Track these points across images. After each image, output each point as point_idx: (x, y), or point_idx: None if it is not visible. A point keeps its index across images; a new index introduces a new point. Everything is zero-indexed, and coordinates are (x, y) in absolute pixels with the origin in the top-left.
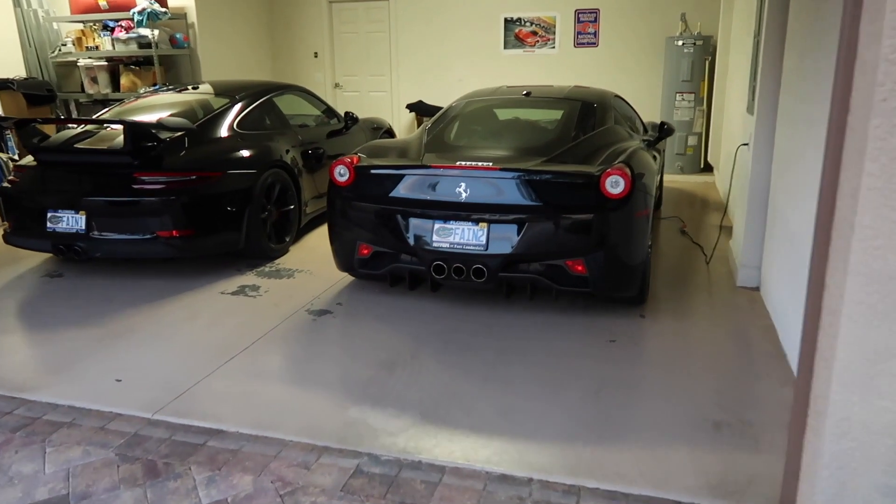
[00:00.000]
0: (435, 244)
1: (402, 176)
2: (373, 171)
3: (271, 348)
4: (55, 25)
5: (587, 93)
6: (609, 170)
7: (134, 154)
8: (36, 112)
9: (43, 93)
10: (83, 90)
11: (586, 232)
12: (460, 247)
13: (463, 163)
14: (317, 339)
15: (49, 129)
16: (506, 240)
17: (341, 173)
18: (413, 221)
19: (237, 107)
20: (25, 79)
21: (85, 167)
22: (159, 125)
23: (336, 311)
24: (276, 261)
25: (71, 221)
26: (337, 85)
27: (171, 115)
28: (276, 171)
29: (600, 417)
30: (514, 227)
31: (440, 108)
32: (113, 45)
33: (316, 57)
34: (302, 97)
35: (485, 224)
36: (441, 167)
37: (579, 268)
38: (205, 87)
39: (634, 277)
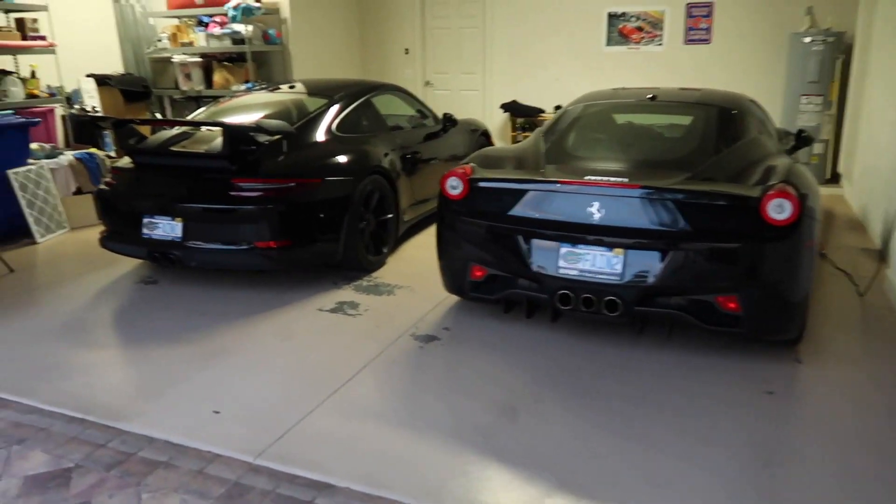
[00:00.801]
0: (561, 271)
1: (524, 191)
2: (489, 185)
3: (377, 380)
4: (151, 21)
5: (721, 97)
6: (772, 191)
7: (232, 158)
8: (132, 108)
9: (139, 89)
10: (177, 87)
11: (743, 263)
12: (591, 275)
13: (595, 178)
14: (426, 371)
15: (143, 129)
16: (646, 269)
17: (454, 186)
18: (536, 243)
19: (335, 108)
20: (122, 75)
21: (181, 171)
22: (258, 128)
23: (444, 337)
24: (374, 274)
25: (167, 228)
26: (427, 83)
27: (268, 117)
28: (376, 178)
29: (773, 498)
30: (657, 255)
31: (535, 109)
32: (207, 41)
33: (407, 53)
34: (399, 97)
35: (621, 250)
36: (570, 182)
37: (731, 305)
38: (300, 87)
39: (795, 317)
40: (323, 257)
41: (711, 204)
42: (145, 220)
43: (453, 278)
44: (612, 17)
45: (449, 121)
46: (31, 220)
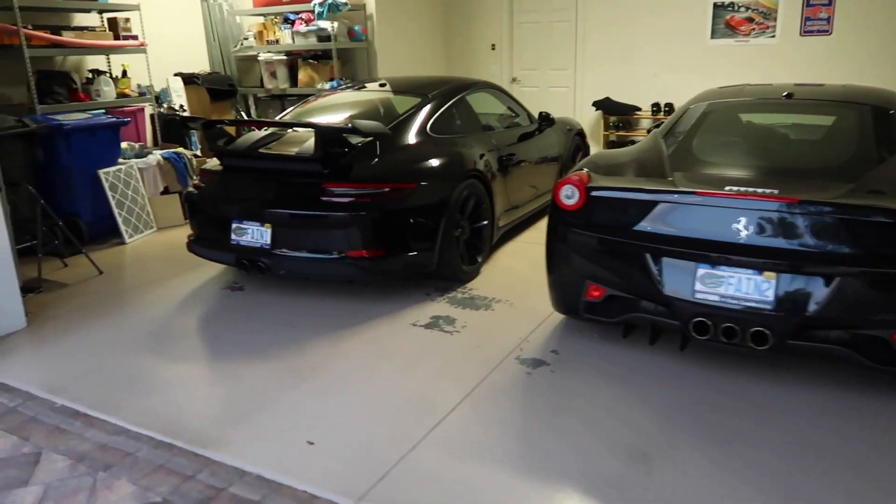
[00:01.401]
0: (698, 295)
1: (653, 202)
2: (610, 195)
3: (483, 411)
4: (238, 19)
5: (869, 93)
6: None
7: (324, 161)
8: (218, 107)
9: (225, 87)
10: (262, 85)
11: None
12: (735, 301)
13: (741, 189)
14: (536, 403)
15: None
16: (804, 297)
17: (568, 195)
18: (667, 262)
19: (429, 107)
20: (209, 73)
21: (271, 174)
22: (352, 129)
23: (552, 361)
24: (468, 285)
25: (256, 234)
26: (514, 79)
27: (360, 118)
28: (472, 182)
29: None
30: (819, 281)
31: (631, 107)
32: (293, 39)
33: (493, 49)
34: (493, 95)
35: (773, 274)
36: (711, 194)
37: None
38: (390, 85)
39: None
40: (416, 267)
41: (889, 222)
42: (234, 226)
43: (565, 296)
44: (718, 8)
45: (545, 120)
46: (119, 221)
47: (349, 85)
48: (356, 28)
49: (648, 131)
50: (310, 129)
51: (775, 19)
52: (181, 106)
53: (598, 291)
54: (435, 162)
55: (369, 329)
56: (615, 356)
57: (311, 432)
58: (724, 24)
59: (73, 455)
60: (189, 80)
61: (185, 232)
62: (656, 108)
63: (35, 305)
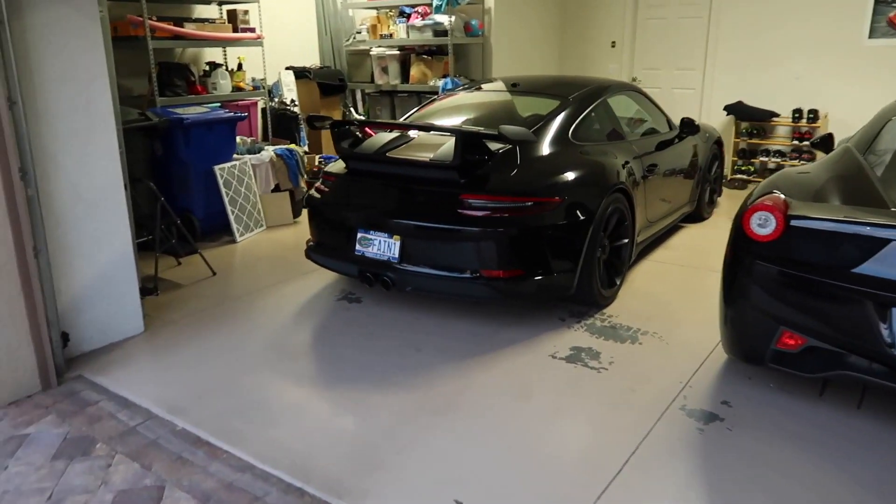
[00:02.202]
0: None
1: (882, 241)
2: (820, 226)
3: (654, 478)
4: (350, 12)
5: None
6: None
7: (462, 170)
8: (328, 102)
9: (335, 82)
10: (372, 80)
11: None
12: None
13: None
14: (716, 470)
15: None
16: None
17: (762, 223)
18: None
19: (571, 111)
20: (320, 68)
21: (401, 181)
22: (498, 135)
23: (727, 416)
24: (606, 310)
25: (383, 246)
26: (634, 79)
27: (490, 120)
28: (617, 196)
29: None
30: None
31: (767, 112)
32: (407, 33)
33: (613, 46)
34: (633, 98)
35: None
36: None
37: None
38: (523, 84)
39: None
40: (555, 291)
41: None
42: (359, 235)
43: (746, 340)
44: (880, 4)
45: (689, 127)
46: (232, 218)
47: (471, 84)
48: (473, 23)
49: (816, 144)
50: (446, 134)
51: None
52: (292, 101)
53: (794, 340)
54: (580, 173)
55: (502, 359)
56: (801, 413)
57: (458, 489)
58: (887, 21)
59: (197, 494)
60: (300, 74)
61: (294, 232)
62: (798, 114)
63: (152, 308)
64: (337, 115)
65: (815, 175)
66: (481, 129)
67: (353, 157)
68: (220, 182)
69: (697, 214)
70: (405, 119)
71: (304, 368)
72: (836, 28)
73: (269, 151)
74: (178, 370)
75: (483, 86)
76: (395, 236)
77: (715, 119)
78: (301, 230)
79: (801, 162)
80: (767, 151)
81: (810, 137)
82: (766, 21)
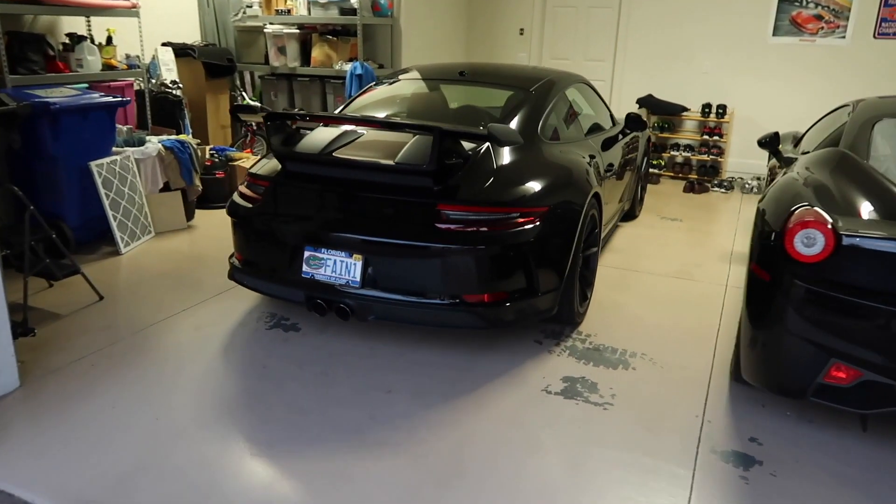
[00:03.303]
0: None
1: None
2: (881, 246)
3: None
4: None
5: None
6: None
7: (438, 176)
8: (214, 85)
9: (223, 63)
10: (266, 62)
11: None
12: None
13: None
14: None
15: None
16: None
17: (809, 241)
18: None
19: (534, 105)
20: (205, 45)
21: (359, 188)
22: (489, 136)
23: (763, 458)
24: (581, 329)
25: (340, 268)
26: None
27: (442, 113)
28: (592, 201)
29: None
30: None
31: (678, 107)
32: (308, 9)
33: (521, 34)
34: (583, 91)
35: None
36: None
37: None
38: (471, 73)
39: None
40: (539, 313)
41: None
42: (307, 255)
43: (786, 373)
44: (784, 2)
45: (635, 122)
46: (114, 225)
47: (401, 72)
48: (382, 2)
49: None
50: (406, 132)
51: (847, 18)
52: (174, 82)
53: (846, 373)
54: (562, 177)
55: (491, 397)
56: (841, 449)
57: None
58: (790, 20)
59: None
60: (181, 51)
61: (189, 239)
62: (707, 109)
63: (26, 350)
64: (225, 100)
65: (826, 186)
66: (463, 128)
67: (294, 157)
68: (99, 181)
69: (631, 213)
70: (339, 112)
71: (255, 429)
72: (742, 25)
73: (154, 143)
74: (75, 443)
75: (422, 74)
76: (355, 255)
77: (623, 113)
78: (197, 236)
79: (710, 157)
80: (677, 145)
81: (719, 132)
82: (676, 15)
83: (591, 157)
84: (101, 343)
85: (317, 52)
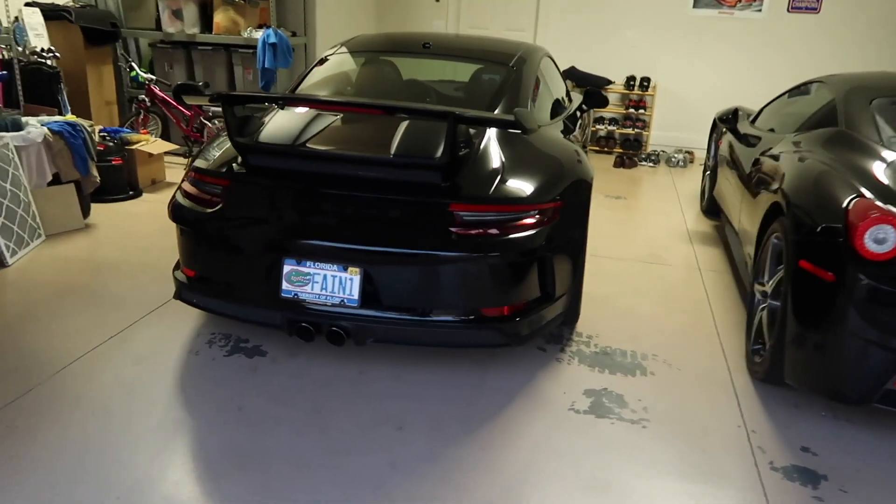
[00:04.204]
0: None
1: None
2: None
3: None
4: None
5: None
6: None
7: (448, 170)
8: (95, 53)
9: (106, 28)
10: (158, 27)
11: None
12: None
13: None
14: None
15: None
16: None
17: (880, 239)
18: None
19: (521, 82)
20: (82, 7)
21: (349, 186)
22: (516, 123)
23: (827, 472)
24: (578, 329)
25: (332, 285)
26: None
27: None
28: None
29: None
30: None
31: (603, 80)
32: None
33: (437, 1)
34: (550, 66)
35: None
36: None
37: None
38: (436, 45)
39: None
40: (552, 322)
41: None
42: (287, 269)
43: (849, 378)
44: None
45: (594, 97)
46: None
47: (349, 43)
48: None
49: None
50: (404, 116)
51: None
52: (48, 50)
53: None
54: (567, 164)
55: (514, 420)
56: (888, 451)
57: None
58: None
59: None
60: (53, 14)
61: (88, 241)
62: (632, 82)
63: None
64: (109, 72)
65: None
66: (481, 113)
67: (261, 149)
68: None
69: None
70: (292, 91)
71: (254, 495)
72: None
73: (38, 127)
74: None
75: (379, 46)
76: (350, 269)
77: None
78: (100, 237)
79: (634, 130)
80: (602, 118)
81: (644, 105)
82: None
83: (569, 136)
84: (11, 393)
85: (220, 17)
